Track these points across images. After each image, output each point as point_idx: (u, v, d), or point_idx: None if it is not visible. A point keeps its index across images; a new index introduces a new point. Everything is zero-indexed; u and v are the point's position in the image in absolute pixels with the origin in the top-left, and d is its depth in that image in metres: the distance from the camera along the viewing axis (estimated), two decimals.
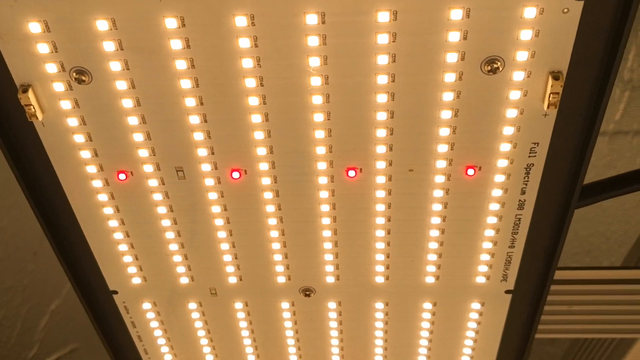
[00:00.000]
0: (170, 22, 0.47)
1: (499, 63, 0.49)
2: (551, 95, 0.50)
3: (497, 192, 0.58)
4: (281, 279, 0.68)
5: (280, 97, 0.52)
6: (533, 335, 0.71)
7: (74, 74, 0.51)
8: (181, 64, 0.50)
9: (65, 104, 0.53)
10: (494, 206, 0.60)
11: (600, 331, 0.79)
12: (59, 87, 0.52)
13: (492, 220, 0.61)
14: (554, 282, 0.74)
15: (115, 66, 0.50)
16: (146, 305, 0.72)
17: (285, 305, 0.72)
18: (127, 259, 0.67)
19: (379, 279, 0.68)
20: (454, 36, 0.47)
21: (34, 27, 0.48)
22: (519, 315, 0.71)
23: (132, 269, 0.68)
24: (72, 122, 0.54)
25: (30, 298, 1.67)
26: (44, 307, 1.72)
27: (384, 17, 0.46)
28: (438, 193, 0.59)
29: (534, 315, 0.70)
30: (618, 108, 1.43)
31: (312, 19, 0.46)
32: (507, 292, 0.68)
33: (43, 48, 0.49)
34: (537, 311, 0.69)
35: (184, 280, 0.69)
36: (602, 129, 1.47)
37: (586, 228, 1.58)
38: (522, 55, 0.48)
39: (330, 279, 0.68)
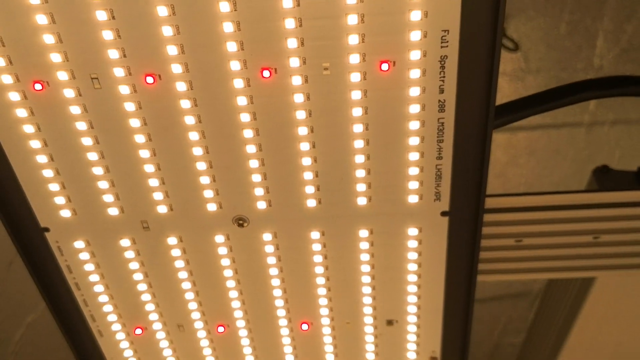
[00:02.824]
0: None
1: None
2: None
3: (415, 91, 0.58)
4: (212, 207, 0.67)
5: None
6: (477, 260, 0.69)
7: None
8: None
9: None
10: (415, 108, 0.59)
11: (554, 269, 0.76)
12: None
13: (414, 125, 0.60)
14: (499, 211, 0.73)
15: None
16: (79, 244, 0.70)
17: (220, 238, 0.70)
18: (54, 187, 0.65)
19: (311, 203, 0.66)
20: None
21: None
22: (460, 241, 0.69)
23: (60, 200, 0.67)
24: None
25: (4, 309, 1.65)
26: (19, 320, 1.69)
27: None
28: (356, 95, 0.58)
29: (474, 238, 0.68)
30: None
31: None
32: (443, 214, 0.67)
33: None
34: (476, 232, 0.67)
35: (113, 211, 0.67)
36: (577, 120, 1.48)
37: None
38: None
39: (261, 205, 0.67)
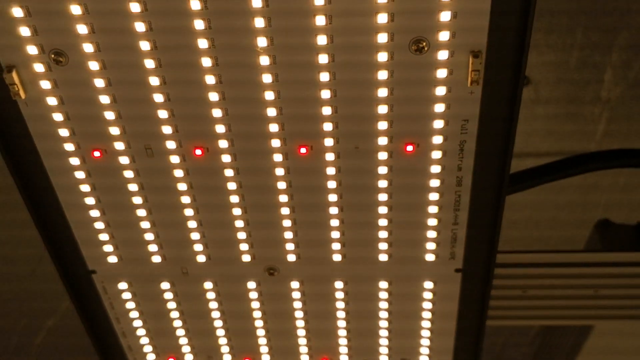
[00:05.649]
0: (134, 6, 0.54)
1: (424, 43, 0.55)
2: (473, 72, 0.56)
3: (435, 169, 0.64)
4: (246, 258, 0.74)
5: (234, 74, 0.58)
6: (486, 312, 0.75)
7: (53, 56, 0.58)
8: (145, 45, 0.56)
9: (45, 84, 0.60)
10: (434, 182, 0.65)
11: (555, 317, 0.83)
12: (39, 68, 0.58)
13: (434, 196, 0.66)
14: (508, 266, 0.79)
15: (88, 48, 0.57)
16: (122, 285, 0.77)
17: (251, 284, 0.77)
18: (104, 237, 0.72)
19: (337, 257, 0.73)
20: (383, 18, 0.54)
21: (17, 11, 0.55)
22: (472, 294, 0.76)
23: (108, 248, 0.73)
24: (52, 101, 0.61)
25: (27, 313, 1.71)
26: (40, 324, 1.75)
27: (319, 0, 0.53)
28: (383, 170, 0.65)
29: (484, 293, 0.74)
30: (597, 129, 1.48)
31: (256, 1, 0.53)
32: (457, 270, 0.73)
33: (25, 31, 0.56)
34: (486, 288, 0.73)
35: (157, 258, 0.74)
36: (584, 148, 1.53)
37: None
38: (444, 36, 0.55)
39: (291, 257, 0.73)
